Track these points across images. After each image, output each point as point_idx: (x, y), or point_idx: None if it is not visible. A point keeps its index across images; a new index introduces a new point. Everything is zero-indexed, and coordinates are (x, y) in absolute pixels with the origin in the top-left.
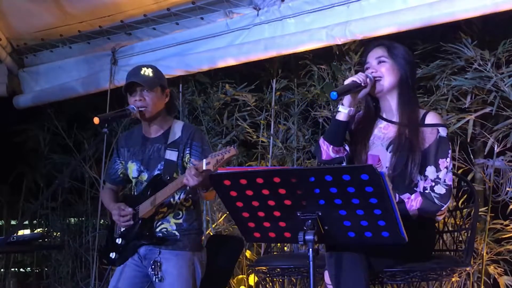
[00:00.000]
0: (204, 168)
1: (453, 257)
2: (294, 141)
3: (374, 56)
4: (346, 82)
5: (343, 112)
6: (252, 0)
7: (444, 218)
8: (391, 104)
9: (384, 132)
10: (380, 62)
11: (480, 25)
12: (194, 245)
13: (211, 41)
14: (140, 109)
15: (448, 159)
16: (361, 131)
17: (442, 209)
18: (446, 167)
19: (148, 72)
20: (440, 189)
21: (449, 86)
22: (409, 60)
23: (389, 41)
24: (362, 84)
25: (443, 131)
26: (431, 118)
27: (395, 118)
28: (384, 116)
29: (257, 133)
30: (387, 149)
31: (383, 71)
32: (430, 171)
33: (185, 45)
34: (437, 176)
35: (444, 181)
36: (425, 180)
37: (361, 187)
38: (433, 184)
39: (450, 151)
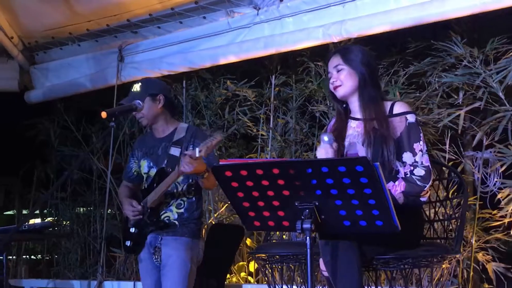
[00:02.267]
0: (197, 155)
1: (444, 245)
2: (292, 135)
3: (332, 65)
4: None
5: None
6: (252, 0)
7: (435, 208)
8: (356, 104)
9: (357, 130)
10: (338, 70)
11: (469, 24)
12: (192, 232)
13: (213, 39)
14: (139, 120)
15: (421, 142)
16: (337, 136)
17: (425, 189)
18: (421, 150)
19: (136, 88)
20: (420, 171)
21: (440, 83)
22: (365, 60)
23: (344, 47)
24: (334, 152)
25: (411, 118)
26: (398, 107)
27: (362, 115)
28: (354, 116)
29: (257, 127)
30: (362, 145)
31: (342, 78)
32: (407, 157)
33: (188, 43)
34: (414, 160)
35: (422, 163)
36: (404, 166)
37: (356, 178)
38: (412, 168)
39: (421, 135)
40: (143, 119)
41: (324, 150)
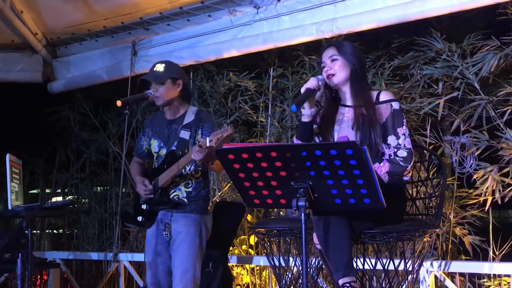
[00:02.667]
0: (207, 144)
1: (425, 220)
2: (288, 121)
3: (327, 55)
4: (302, 90)
5: (306, 114)
6: (252, 0)
7: (417, 187)
8: (347, 93)
9: (347, 116)
10: (332, 60)
11: (448, 22)
12: (200, 209)
13: (217, 35)
14: (154, 98)
15: (404, 127)
16: (326, 121)
17: (408, 168)
18: (404, 134)
19: (160, 68)
20: (402, 153)
21: (421, 74)
22: (356, 54)
23: (338, 41)
24: (316, 88)
25: (395, 105)
26: (384, 96)
27: (352, 103)
28: (344, 103)
29: (257, 114)
30: (352, 128)
31: (336, 68)
32: (391, 139)
33: (195, 38)
34: (398, 142)
35: (404, 146)
36: (389, 148)
37: (346, 160)
38: (396, 150)
39: (404, 120)
40: (159, 99)
41: (311, 80)
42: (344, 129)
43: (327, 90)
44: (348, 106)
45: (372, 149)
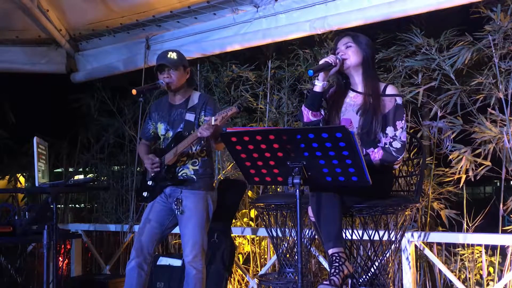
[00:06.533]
0: (213, 123)
1: (406, 196)
2: (285, 108)
3: (343, 43)
4: (320, 62)
5: (318, 85)
6: (253, 0)
7: (399, 166)
8: (358, 79)
9: (354, 100)
10: (347, 47)
11: (427, 19)
12: (207, 186)
13: (221, 31)
14: (167, 83)
15: (403, 121)
16: (334, 102)
17: (398, 159)
18: (402, 127)
19: (173, 55)
20: (397, 144)
21: (403, 66)
22: (369, 45)
23: (354, 32)
24: (333, 64)
25: (399, 100)
26: (390, 89)
27: (361, 89)
28: (353, 88)
29: (257, 102)
30: (357, 113)
31: (349, 53)
32: (389, 130)
33: (201, 34)
34: (395, 134)
35: (400, 138)
36: (386, 137)
37: (336, 142)
38: (392, 140)
39: (404, 115)
40: (172, 83)
41: (330, 56)
42: (349, 112)
43: (339, 75)
44: (358, 92)
45: (370, 135)
